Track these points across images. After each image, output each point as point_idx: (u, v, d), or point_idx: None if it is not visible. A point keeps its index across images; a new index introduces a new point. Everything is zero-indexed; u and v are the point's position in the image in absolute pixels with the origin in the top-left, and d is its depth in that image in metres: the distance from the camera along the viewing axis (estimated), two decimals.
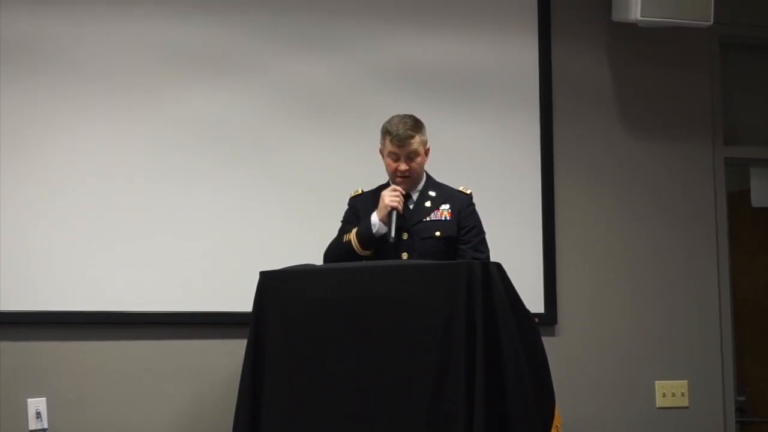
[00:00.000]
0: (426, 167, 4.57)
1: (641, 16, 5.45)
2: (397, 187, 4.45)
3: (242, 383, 4.18)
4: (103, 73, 5.07)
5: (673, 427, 5.67)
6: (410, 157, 4.45)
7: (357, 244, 4.44)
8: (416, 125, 4.46)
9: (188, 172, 5.14)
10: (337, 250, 4.50)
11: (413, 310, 4.00)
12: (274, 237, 5.18)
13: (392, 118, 4.50)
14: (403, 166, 4.45)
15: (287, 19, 5.32)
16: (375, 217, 4.43)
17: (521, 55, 5.62)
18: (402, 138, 4.41)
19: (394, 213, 4.39)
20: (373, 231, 4.42)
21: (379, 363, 4.00)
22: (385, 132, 4.47)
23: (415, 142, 4.44)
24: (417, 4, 5.49)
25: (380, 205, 4.42)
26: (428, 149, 4.53)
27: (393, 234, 4.36)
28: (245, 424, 4.12)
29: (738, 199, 6.36)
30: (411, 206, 4.49)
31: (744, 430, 6.39)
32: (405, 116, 4.49)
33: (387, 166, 4.51)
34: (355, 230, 4.47)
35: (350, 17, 5.40)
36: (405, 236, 4.43)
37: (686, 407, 5.71)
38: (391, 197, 4.40)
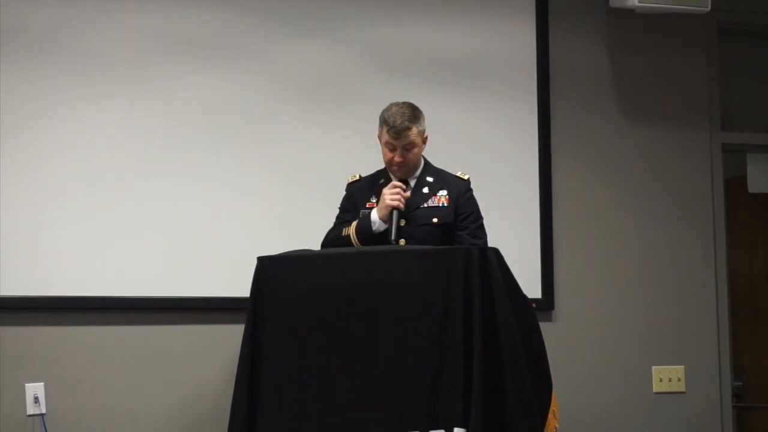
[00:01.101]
0: (424, 153, 4.56)
1: (639, 2, 5.45)
2: (398, 183, 4.44)
3: (240, 368, 4.18)
4: (100, 62, 5.07)
5: (669, 412, 5.69)
6: (406, 148, 4.43)
7: (356, 239, 4.43)
8: (414, 116, 4.43)
9: (186, 158, 5.14)
10: (335, 244, 4.49)
11: (411, 295, 4.01)
12: (272, 222, 5.19)
13: (390, 106, 4.47)
14: (398, 158, 4.44)
15: (285, 6, 5.31)
16: (375, 215, 4.41)
17: (519, 41, 5.62)
18: (399, 130, 4.39)
19: (396, 213, 4.38)
20: (373, 229, 4.41)
21: (376, 348, 4.01)
22: (383, 122, 4.45)
23: (412, 134, 4.41)
24: None
25: (381, 204, 4.41)
26: (426, 138, 4.51)
27: (394, 236, 4.36)
28: (243, 408, 4.12)
29: (735, 185, 6.37)
30: (408, 192, 4.48)
31: (740, 415, 6.40)
32: (403, 106, 4.46)
33: (383, 154, 4.50)
34: (354, 224, 4.46)
35: (348, 3, 5.39)
36: (402, 222, 4.42)
37: (683, 392, 5.73)
38: (392, 196, 4.38)
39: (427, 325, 3.97)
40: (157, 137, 5.12)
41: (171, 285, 5.06)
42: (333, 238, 4.52)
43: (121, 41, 5.10)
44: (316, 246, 4.54)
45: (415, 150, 4.46)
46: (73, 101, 5.03)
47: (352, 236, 4.44)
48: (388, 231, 4.37)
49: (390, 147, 4.45)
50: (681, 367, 5.73)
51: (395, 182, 4.45)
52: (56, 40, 5.02)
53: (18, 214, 4.91)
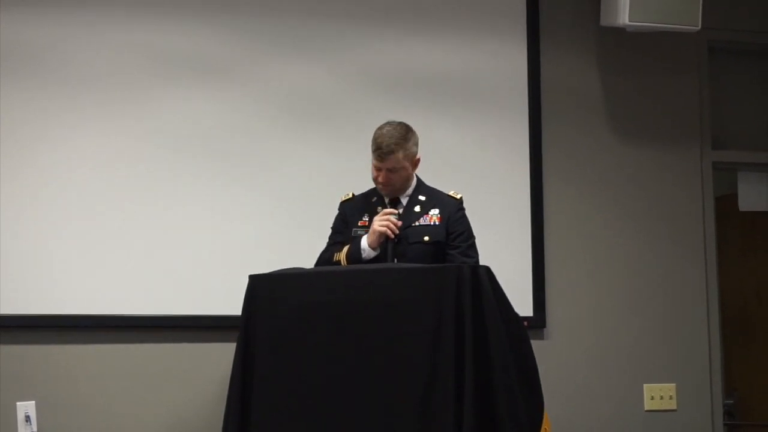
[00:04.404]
0: (417, 172, 4.56)
1: (630, 21, 5.46)
2: (389, 210, 4.43)
3: (231, 387, 4.18)
4: (99, 79, 5.11)
5: (661, 429, 5.68)
6: (390, 170, 4.42)
7: (346, 265, 4.42)
8: (403, 139, 4.41)
9: (179, 176, 5.16)
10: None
11: (402, 313, 4.01)
12: (263, 240, 5.20)
13: (383, 126, 4.46)
14: (381, 178, 4.43)
15: (278, 25, 5.33)
16: (365, 242, 4.41)
17: (510, 59, 5.64)
18: (383, 153, 4.38)
19: (390, 245, 4.38)
20: (363, 256, 4.40)
21: (368, 366, 4.01)
22: (373, 141, 4.44)
23: (397, 158, 4.39)
24: (408, 9, 5.51)
25: (370, 230, 4.41)
26: (417, 161, 4.49)
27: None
28: (234, 426, 4.12)
29: (725, 203, 6.39)
30: (400, 210, 4.49)
31: None
32: (396, 128, 4.43)
33: (371, 171, 4.49)
34: (345, 250, 4.46)
35: (340, 22, 5.41)
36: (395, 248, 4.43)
37: (674, 410, 5.73)
38: (380, 223, 4.38)
39: (419, 342, 3.96)
40: (150, 157, 5.13)
41: (163, 303, 5.06)
42: (325, 261, 4.52)
43: (120, 63, 5.14)
44: (308, 265, 4.54)
45: (401, 173, 4.44)
46: (71, 122, 5.06)
47: (342, 262, 4.43)
48: (380, 259, 4.37)
49: (377, 166, 4.45)
50: (672, 385, 5.74)
51: (387, 210, 4.45)
52: (53, 61, 5.05)
53: (10, 233, 4.91)
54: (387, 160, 4.40)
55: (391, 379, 3.97)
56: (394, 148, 4.38)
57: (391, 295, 4.04)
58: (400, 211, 4.48)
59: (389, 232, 4.37)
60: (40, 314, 4.91)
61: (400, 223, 4.41)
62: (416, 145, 4.47)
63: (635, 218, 5.80)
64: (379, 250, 4.39)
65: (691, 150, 5.92)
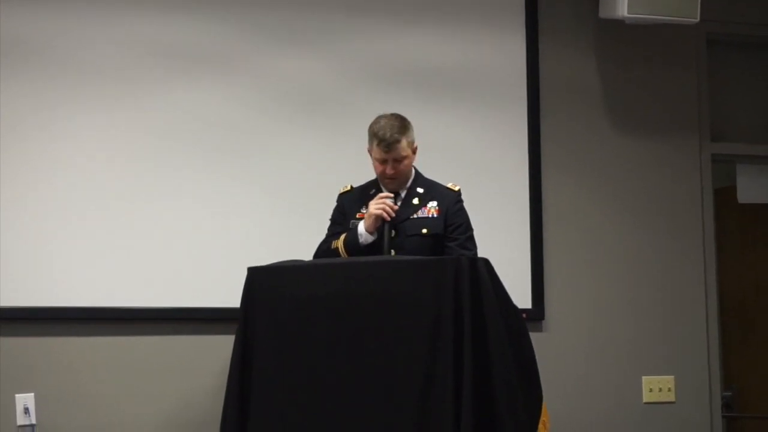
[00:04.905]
0: (415, 164, 4.56)
1: (628, 13, 5.46)
2: (385, 194, 4.44)
3: (230, 379, 4.19)
4: (98, 74, 5.08)
5: (659, 422, 5.69)
6: (397, 160, 4.43)
7: (344, 252, 4.43)
8: (403, 127, 4.43)
9: (178, 168, 5.15)
10: (325, 257, 4.48)
11: (401, 305, 4.01)
12: (262, 233, 5.19)
13: (378, 119, 4.47)
14: (389, 170, 4.43)
15: (276, 20, 5.32)
16: (361, 227, 4.42)
17: (509, 52, 5.63)
18: (389, 143, 4.38)
19: (386, 226, 4.39)
20: (360, 241, 4.41)
21: (366, 359, 4.01)
22: (373, 135, 4.44)
23: (402, 146, 4.41)
24: (406, 2, 5.50)
25: (366, 214, 4.42)
26: (416, 148, 4.51)
27: (386, 251, 4.36)
28: (233, 419, 4.13)
29: (724, 195, 6.39)
30: (398, 203, 4.49)
31: (730, 425, 6.42)
32: (391, 119, 4.45)
33: (375, 168, 4.50)
34: (342, 237, 4.47)
35: (338, 14, 5.40)
36: (392, 233, 4.43)
37: (673, 402, 5.73)
38: (377, 205, 4.39)
39: (418, 335, 3.97)
40: (150, 151, 5.12)
41: (162, 296, 5.05)
42: (323, 251, 4.53)
43: (120, 57, 5.11)
44: (306, 256, 4.54)
45: (406, 161, 4.46)
46: (70, 115, 5.03)
47: (340, 249, 4.44)
48: (377, 245, 4.38)
49: (381, 160, 4.44)
50: (671, 377, 5.74)
51: (382, 194, 4.46)
52: (53, 55, 5.03)
53: (9, 226, 4.90)
54: (394, 150, 4.40)
55: (390, 372, 3.97)
56: (398, 137, 4.40)
57: (390, 287, 4.04)
58: (398, 204, 4.48)
59: (385, 214, 4.37)
60: (40, 306, 4.91)
61: (396, 207, 4.42)
62: (413, 132, 4.49)
63: (634, 210, 5.80)
64: (376, 235, 4.40)
65: (689, 142, 5.92)
